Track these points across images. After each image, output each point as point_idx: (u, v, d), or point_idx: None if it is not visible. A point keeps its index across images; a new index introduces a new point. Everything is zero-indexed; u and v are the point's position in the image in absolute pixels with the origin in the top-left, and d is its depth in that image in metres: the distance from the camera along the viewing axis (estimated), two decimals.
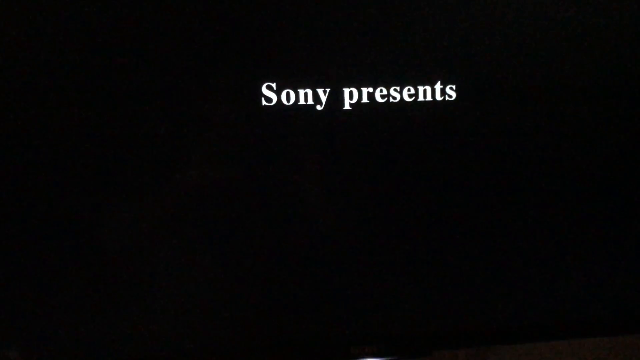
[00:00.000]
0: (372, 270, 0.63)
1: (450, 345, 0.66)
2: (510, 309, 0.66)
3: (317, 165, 0.61)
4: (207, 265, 0.61)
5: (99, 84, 0.57)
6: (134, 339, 0.61)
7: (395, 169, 0.62)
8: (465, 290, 0.65)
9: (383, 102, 0.60)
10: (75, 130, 0.57)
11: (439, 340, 0.64)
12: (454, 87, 0.61)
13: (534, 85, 0.61)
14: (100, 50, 0.56)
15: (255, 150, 0.60)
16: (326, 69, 0.59)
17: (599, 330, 0.70)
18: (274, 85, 0.59)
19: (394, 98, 0.60)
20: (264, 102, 0.59)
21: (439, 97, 0.61)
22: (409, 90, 0.60)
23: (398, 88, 0.60)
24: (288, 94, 0.60)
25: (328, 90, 0.60)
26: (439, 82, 0.61)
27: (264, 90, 0.59)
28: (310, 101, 0.60)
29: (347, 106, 0.60)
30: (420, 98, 0.61)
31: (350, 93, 0.60)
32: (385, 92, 0.60)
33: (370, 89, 0.60)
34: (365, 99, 0.60)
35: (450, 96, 0.61)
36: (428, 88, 0.61)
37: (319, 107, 0.60)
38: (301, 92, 0.60)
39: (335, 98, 0.60)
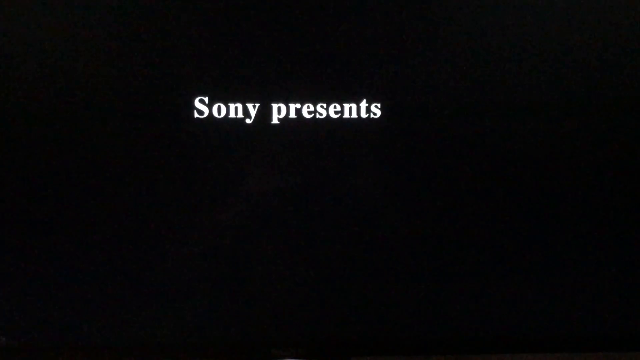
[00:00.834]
0: (295, 279, 0.66)
1: (369, 353, 0.69)
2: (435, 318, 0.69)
3: (244, 177, 0.64)
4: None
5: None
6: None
7: (319, 181, 0.65)
8: (387, 300, 0.68)
9: (310, 118, 0.63)
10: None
11: (357, 348, 0.67)
12: (379, 105, 0.64)
13: (457, 105, 0.64)
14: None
15: (187, 159, 0.64)
16: (256, 85, 0.63)
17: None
18: (205, 99, 0.63)
19: (321, 114, 0.63)
20: (195, 115, 0.63)
21: (364, 115, 0.64)
22: (335, 107, 0.64)
23: (325, 105, 0.63)
24: (219, 108, 0.63)
25: (257, 105, 0.63)
26: (364, 100, 0.64)
27: (196, 104, 0.63)
28: (240, 115, 0.63)
29: (275, 120, 0.63)
30: (346, 115, 0.64)
31: (279, 108, 0.63)
32: (312, 108, 0.63)
33: (298, 105, 0.63)
34: (292, 114, 0.63)
35: (375, 114, 0.64)
36: (354, 105, 0.64)
37: (248, 121, 0.63)
38: (232, 106, 0.63)
39: (264, 112, 0.63)
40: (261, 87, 0.63)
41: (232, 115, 0.63)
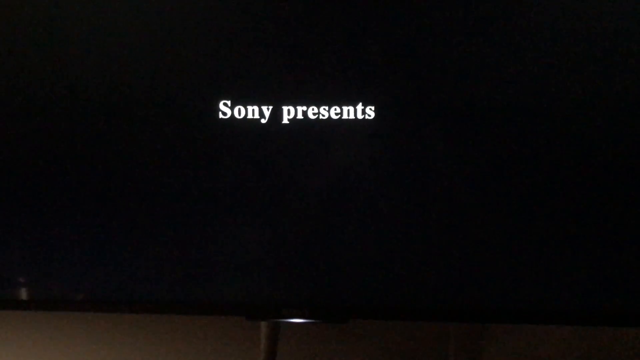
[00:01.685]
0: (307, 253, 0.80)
1: (368, 316, 0.82)
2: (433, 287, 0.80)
3: (260, 166, 0.78)
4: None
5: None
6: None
7: (322, 172, 0.77)
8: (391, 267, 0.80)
9: (314, 119, 0.76)
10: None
11: (356, 310, 0.80)
12: (372, 107, 0.76)
13: (446, 107, 0.75)
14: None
15: (214, 151, 0.77)
16: (269, 91, 0.76)
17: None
18: (228, 102, 0.76)
19: (323, 115, 0.76)
20: (220, 116, 0.76)
21: (360, 116, 0.76)
22: (335, 109, 0.76)
23: (327, 107, 0.76)
24: (239, 110, 0.76)
25: (271, 107, 0.76)
26: (360, 104, 0.76)
27: (221, 106, 0.76)
28: (256, 116, 0.76)
29: (285, 120, 0.76)
30: (345, 116, 0.76)
31: (288, 110, 0.76)
32: (316, 110, 0.76)
33: (304, 108, 0.76)
34: (300, 116, 0.76)
35: (369, 115, 0.76)
36: (351, 108, 0.76)
37: (263, 121, 0.76)
38: (249, 108, 0.76)
39: (276, 114, 0.76)
40: (274, 92, 0.76)
41: (250, 116, 0.76)
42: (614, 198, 0.74)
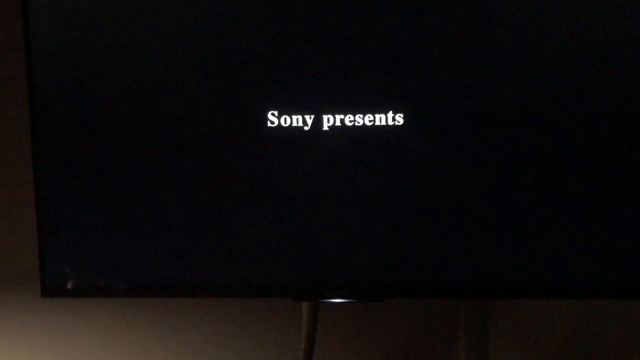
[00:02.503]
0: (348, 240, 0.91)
1: (398, 295, 0.93)
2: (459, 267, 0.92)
3: (304, 167, 0.89)
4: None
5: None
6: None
7: (359, 172, 0.89)
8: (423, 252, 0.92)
9: (350, 125, 0.87)
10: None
11: (389, 292, 0.92)
12: (401, 115, 0.87)
13: (469, 116, 0.86)
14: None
15: (263, 155, 0.89)
16: (311, 102, 0.87)
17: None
18: (276, 112, 0.88)
19: (359, 122, 0.87)
20: (268, 124, 0.88)
21: (390, 123, 0.87)
22: (369, 117, 0.87)
23: (361, 115, 0.87)
24: (285, 119, 0.88)
25: (312, 116, 0.88)
26: (390, 112, 0.87)
27: (269, 116, 0.88)
28: (300, 124, 0.88)
29: (325, 127, 0.88)
30: (377, 123, 0.87)
31: (328, 118, 0.87)
32: (352, 118, 0.87)
33: (342, 116, 0.87)
34: (338, 123, 0.88)
35: (398, 122, 0.87)
36: (383, 116, 0.87)
37: (306, 128, 0.88)
38: (294, 117, 0.88)
39: (317, 122, 0.88)
40: (315, 103, 0.87)
41: (294, 124, 0.88)
42: (611, 184, 0.86)
